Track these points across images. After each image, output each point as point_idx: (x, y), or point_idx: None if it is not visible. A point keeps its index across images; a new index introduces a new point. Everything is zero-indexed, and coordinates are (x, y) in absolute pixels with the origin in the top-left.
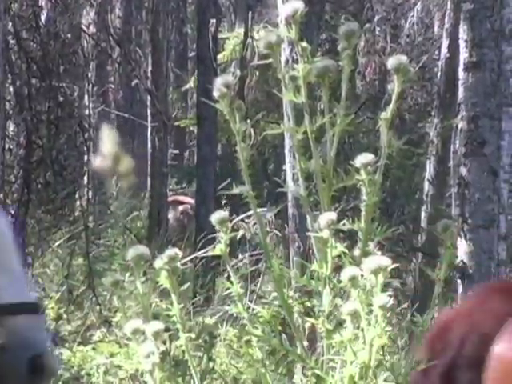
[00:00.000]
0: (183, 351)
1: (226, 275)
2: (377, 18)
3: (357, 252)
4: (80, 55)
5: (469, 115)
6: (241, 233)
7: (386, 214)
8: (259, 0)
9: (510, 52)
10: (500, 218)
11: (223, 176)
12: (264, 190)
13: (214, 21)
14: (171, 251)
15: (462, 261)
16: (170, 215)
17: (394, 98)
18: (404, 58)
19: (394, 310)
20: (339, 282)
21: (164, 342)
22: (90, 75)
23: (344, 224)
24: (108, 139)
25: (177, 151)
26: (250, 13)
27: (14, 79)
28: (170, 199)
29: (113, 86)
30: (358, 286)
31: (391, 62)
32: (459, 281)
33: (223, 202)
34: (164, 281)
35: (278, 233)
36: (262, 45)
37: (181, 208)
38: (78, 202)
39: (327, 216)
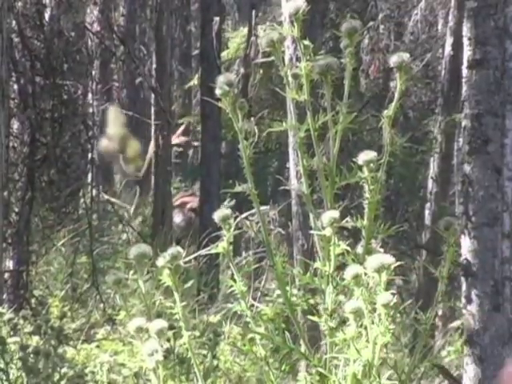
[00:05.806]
0: (187, 349)
1: (229, 273)
2: (381, 15)
3: (360, 250)
4: (84, 53)
5: (472, 113)
6: (244, 231)
7: (390, 212)
8: None
9: None
10: (504, 216)
11: (227, 174)
12: (267, 187)
13: (217, 19)
14: (174, 249)
15: (465, 259)
16: (179, 218)
17: (396, 95)
18: (406, 56)
19: (398, 307)
20: (342, 279)
21: (168, 340)
22: (93, 73)
23: (347, 222)
24: (115, 120)
25: (181, 149)
26: (253, 11)
27: (17, 77)
28: (176, 203)
29: (117, 84)
30: (361, 283)
31: (393, 60)
32: (463, 278)
33: (227, 199)
34: (166, 279)
35: (282, 231)
36: (263, 42)
37: (188, 206)
38: (81, 200)
39: (330, 214)
